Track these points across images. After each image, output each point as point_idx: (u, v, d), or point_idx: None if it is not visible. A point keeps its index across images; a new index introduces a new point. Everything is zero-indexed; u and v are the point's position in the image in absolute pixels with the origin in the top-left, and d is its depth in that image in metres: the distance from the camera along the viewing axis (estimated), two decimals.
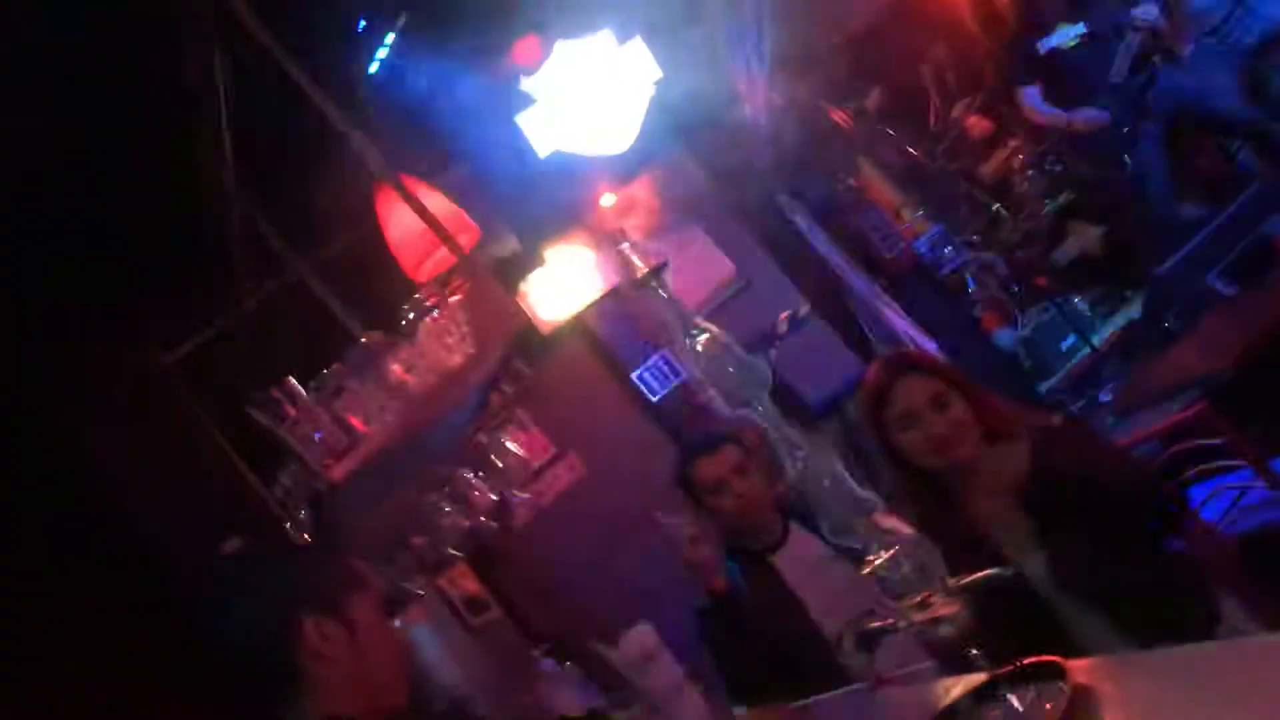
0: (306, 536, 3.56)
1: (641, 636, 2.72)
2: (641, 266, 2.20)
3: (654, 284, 2.20)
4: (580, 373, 6.08)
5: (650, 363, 6.11)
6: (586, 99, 5.37)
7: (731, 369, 2.27)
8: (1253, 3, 5.52)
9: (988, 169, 7.18)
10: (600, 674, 3.52)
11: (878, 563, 1.94)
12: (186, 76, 4.17)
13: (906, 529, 2.01)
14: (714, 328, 2.26)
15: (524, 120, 5.36)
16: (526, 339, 4.54)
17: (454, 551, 3.63)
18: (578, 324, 6.09)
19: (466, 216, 3.90)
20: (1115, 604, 2.23)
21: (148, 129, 4.19)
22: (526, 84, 5.27)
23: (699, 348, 2.35)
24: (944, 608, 1.92)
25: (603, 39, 5.53)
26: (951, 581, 1.97)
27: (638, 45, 5.57)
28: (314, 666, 1.76)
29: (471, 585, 5.32)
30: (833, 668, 2.82)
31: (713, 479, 3.09)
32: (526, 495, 4.79)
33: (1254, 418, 3.53)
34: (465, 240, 3.61)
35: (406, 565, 3.58)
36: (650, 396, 6.11)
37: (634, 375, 6.14)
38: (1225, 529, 3.35)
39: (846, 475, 2.20)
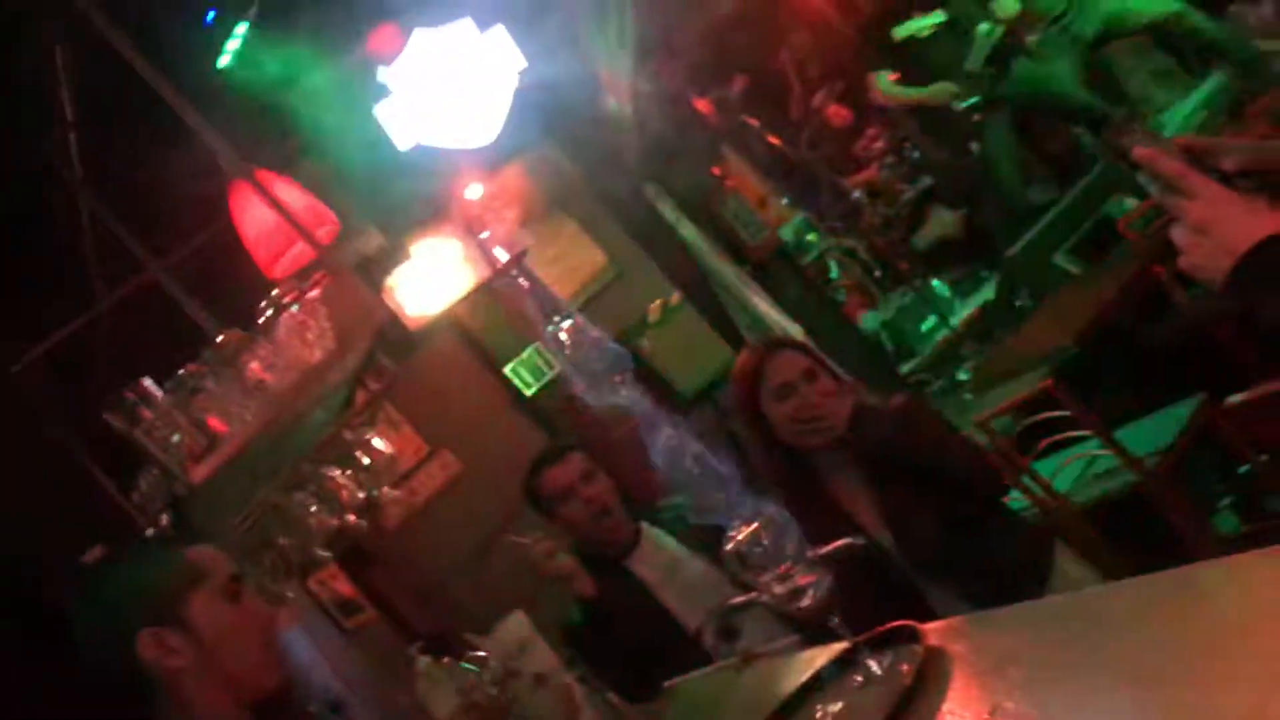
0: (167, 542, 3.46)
1: (516, 625, 2.73)
2: (502, 256, 2.19)
3: (514, 273, 2.20)
4: (453, 369, 6.03)
5: (523, 356, 6.10)
6: (448, 89, 5.30)
7: (594, 355, 2.28)
8: None
9: (863, 175, 7.33)
10: None
11: (739, 537, 1.97)
12: (27, 69, 4.00)
13: (767, 504, 2.06)
14: (577, 315, 2.27)
15: (383, 111, 5.28)
16: (393, 335, 4.47)
17: (323, 552, 3.55)
18: (449, 319, 6.04)
19: (325, 209, 3.83)
20: (959, 571, 2.36)
21: None
22: (384, 74, 5.19)
23: (562, 335, 2.35)
24: (803, 579, 1.96)
25: (463, 27, 5.47)
26: (810, 553, 2.02)
27: (500, 34, 5.53)
28: (164, 679, 1.70)
29: (344, 587, 5.24)
30: (700, 661, 2.88)
31: (561, 487, 3.12)
32: (399, 494, 4.72)
33: (1098, 390, 3.70)
34: (324, 234, 3.55)
35: (275, 567, 3.49)
36: (524, 390, 6.11)
37: (507, 369, 6.12)
38: (1074, 497, 3.51)
39: (710, 455, 2.25)
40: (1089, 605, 1.69)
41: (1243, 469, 3.68)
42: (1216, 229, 1.24)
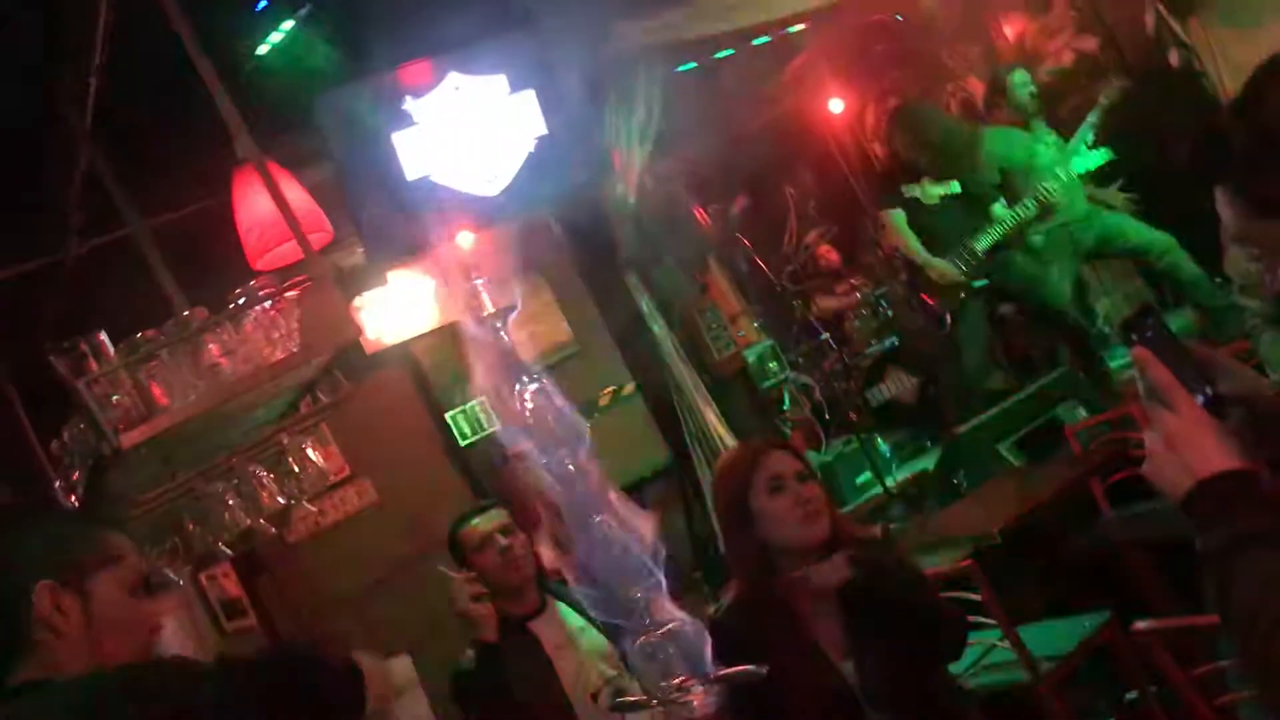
0: (74, 499, 3.40)
1: (401, 667, 2.72)
2: (490, 305, 2.22)
3: (498, 324, 2.22)
4: (394, 401, 5.98)
5: (466, 407, 6.08)
6: (467, 135, 5.40)
7: (552, 422, 2.31)
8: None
9: (828, 303, 7.50)
10: None
11: (649, 638, 1.99)
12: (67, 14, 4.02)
13: (681, 613, 2.08)
14: (545, 379, 2.30)
15: (401, 139, 5.35)
16: (350, 355, 4.48)
17: (224, 548, 3.51)
18: (405, 351, 6.03)
19: (323, 216, 3.86)
20: (907, 711, 2.39)
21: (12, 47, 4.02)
22: (411, 105, 5.27)
23: (526, 396, 2.38)
24: (695, 696, 1.97)
25: (496, 82, 5.59)
26: (712, 672, 2.03)
27: (528, 98, 5.66)
28: (41, 635, 1.70)
29: (233, 588, 5.14)
30: None
31: (480, 535, 3.25)
32: (312, 509, 4.66)
33: (1011, 583, 3.77)
34: (316, 240, 3.57)
35: (175, 550, 3.44)
36: (460, 440, 6.08)
37: (448, 415, 6.10)
38: (965, 681, 3.55)
39: (639, 549, 2.26)
40: None
41: (1130, 695, 3.76)
42: (1186, 448, 1.28)
